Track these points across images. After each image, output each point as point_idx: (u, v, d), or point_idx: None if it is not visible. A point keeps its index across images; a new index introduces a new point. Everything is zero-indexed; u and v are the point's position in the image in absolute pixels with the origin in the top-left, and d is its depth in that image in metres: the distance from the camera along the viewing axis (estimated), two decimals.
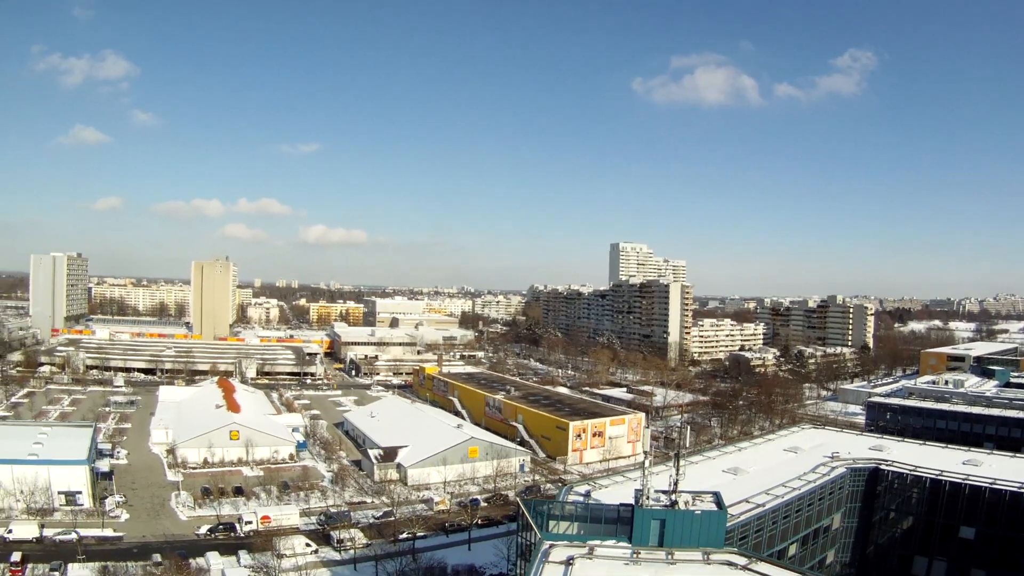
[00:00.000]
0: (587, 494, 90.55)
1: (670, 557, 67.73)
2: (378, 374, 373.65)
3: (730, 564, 67.53)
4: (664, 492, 76.59)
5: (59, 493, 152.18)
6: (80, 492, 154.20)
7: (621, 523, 73.44)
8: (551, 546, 67.61)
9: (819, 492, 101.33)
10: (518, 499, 78.89)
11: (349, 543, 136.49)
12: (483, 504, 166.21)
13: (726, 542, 73.52)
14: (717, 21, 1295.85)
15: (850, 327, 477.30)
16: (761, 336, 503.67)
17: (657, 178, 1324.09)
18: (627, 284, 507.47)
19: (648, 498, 74.28)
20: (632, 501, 75.84)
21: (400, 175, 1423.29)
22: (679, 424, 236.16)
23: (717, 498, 78.29)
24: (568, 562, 64.33)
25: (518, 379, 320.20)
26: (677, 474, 75.66)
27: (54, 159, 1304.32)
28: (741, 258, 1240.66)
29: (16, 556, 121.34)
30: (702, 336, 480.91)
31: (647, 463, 76.61)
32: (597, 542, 70.49)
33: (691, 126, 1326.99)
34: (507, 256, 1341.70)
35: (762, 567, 67.90)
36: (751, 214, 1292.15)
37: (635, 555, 68.25)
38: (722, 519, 74.35)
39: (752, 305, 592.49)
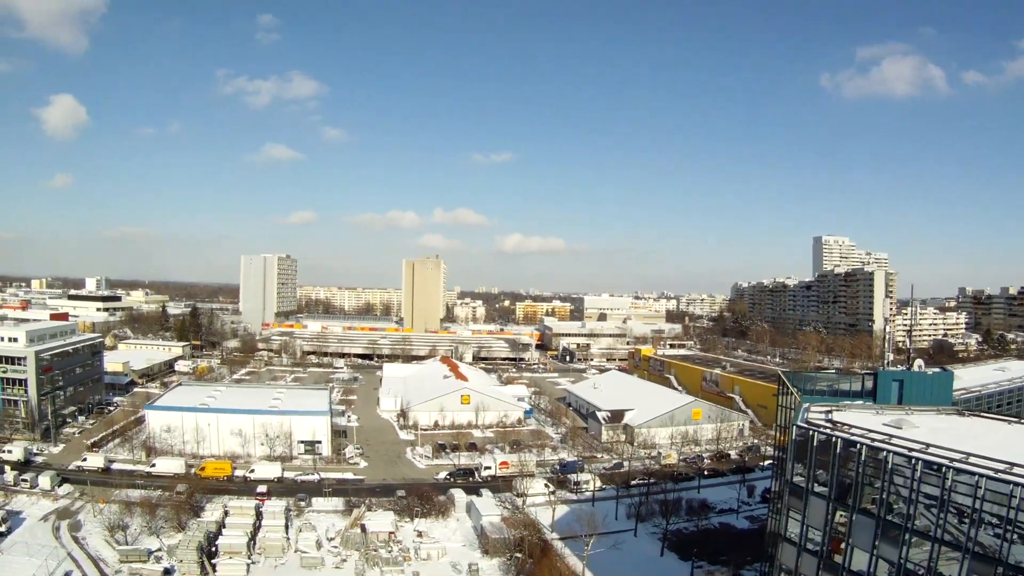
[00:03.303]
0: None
1: (908, 411, 75.40)
2: (591, 360, 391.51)
3: (959, 413, 77.98)
4: (900, 364, 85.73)
5: (299, 442, 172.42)
6: (320, 442, 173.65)
7: (864, 394, 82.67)
8: (810, 405, 75.52)
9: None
10: (779, 371, 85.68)
11: (585, 486, 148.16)
12: (707, 460, 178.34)
13: None
14: (897, 6, 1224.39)
15: None
16: (963, 324, 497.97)
17: (854, 174, 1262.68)
18: (832, 274, 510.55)
19: (888, 364, 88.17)
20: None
21: (596, 183, 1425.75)
22: None
23: (944, 369, 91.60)
24: (827, 411, 72.43)
25: (731, 359, 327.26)
26: (911, 343, 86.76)
27: (246, 176, 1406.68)
28: (940, 255, 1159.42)
29: (262, 488, 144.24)
30: (905, 325, 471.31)
31: (887, 328, 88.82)
32: (847, 402, 79.57)
33: (883, 121, 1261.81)
34: (706, 259, 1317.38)
35: (985, 415, 79.74)
36: (948, 208, 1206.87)
37: (879, 411, 76.09)
38: (950, 378, 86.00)
39: (952, 304, 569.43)
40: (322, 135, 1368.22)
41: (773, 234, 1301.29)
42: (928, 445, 56.28)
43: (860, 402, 79.68)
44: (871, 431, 61.39)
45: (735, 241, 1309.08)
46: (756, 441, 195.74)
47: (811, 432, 64.59)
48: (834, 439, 62.17)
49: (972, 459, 53.18)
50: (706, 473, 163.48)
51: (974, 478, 51.40)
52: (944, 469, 52.84)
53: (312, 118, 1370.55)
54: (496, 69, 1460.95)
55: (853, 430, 62.13)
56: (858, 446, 59.71)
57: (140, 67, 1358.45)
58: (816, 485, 65.43)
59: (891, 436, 60.09)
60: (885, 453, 57.41)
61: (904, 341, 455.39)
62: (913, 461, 55.29)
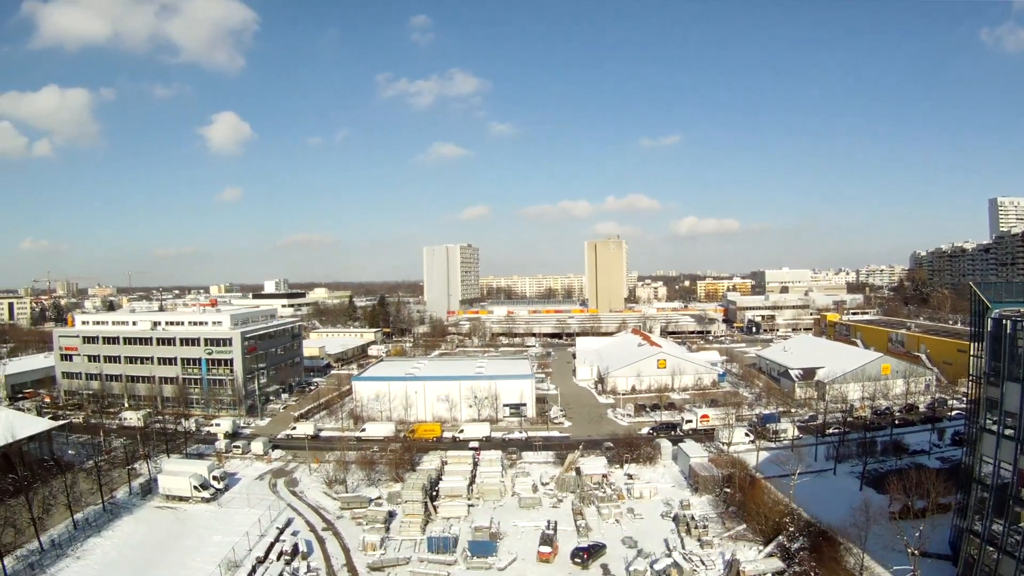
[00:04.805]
0: None
1: None
2: (777, 330, 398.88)
3: None
4: None
5: (504, 405, 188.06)
6: (525, 404, 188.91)
7: None
8: (999, 311, 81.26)
9: None
10: (970, 283, 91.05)
11: (784, 434, 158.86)
12: (896, 412, 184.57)
13: None
14: None
15: None
16: None
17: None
18: (1009, 235, 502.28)
19: None
20: None
21: (767, 162, 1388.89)
22: None
23: None
24: (1017, 311, 78.64)
25: (915, 322, 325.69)
26: None
27: (417, 176, 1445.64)
28: None
29: (474, 444, 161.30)
30: None
31: None
32: None
33: None
34: (881, 231, 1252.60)
35: None
36: None
37: None
38: None
39: None
40: (489, 130, 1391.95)
41: (948, 199, 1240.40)
42: None
43: None
44: None
45: (910, 209, 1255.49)
46: (942, 396, 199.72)
47: (1004, 321, 73.09)
48: None
49: None
50: (897, 422, 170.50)
51: None
52: None
53: (477, 114, 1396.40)
54: (655, 53, 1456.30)
55: None
56: None
57: (299, 80, 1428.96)
58: (1012, 370, 73.34)
59: None
60: None
61: None
62: None
